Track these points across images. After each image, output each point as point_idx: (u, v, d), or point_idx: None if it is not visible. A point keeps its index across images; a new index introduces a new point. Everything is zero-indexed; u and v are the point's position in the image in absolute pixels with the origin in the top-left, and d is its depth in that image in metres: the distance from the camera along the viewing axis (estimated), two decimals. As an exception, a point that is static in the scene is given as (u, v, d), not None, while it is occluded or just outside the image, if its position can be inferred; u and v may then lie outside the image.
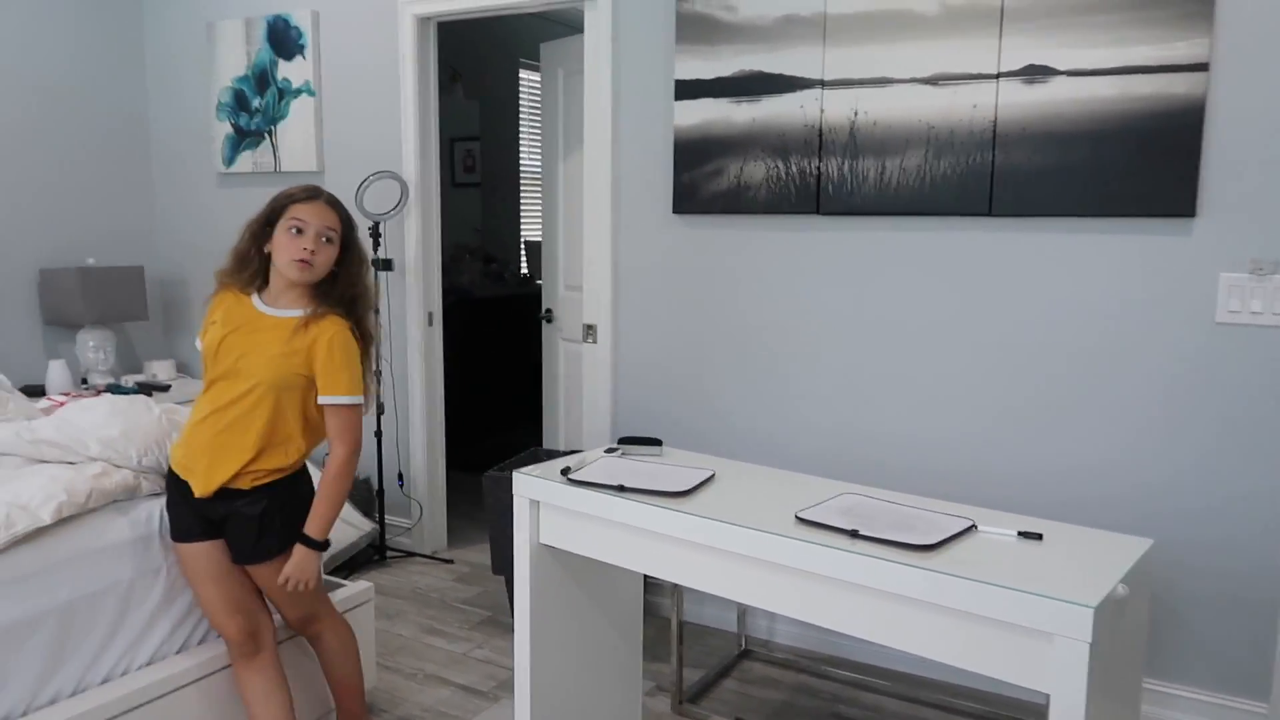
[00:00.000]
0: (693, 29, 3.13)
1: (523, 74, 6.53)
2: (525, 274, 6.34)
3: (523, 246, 6.62)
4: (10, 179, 4.08)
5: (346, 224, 2.26)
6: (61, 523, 2.16)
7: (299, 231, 2.17)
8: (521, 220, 6.69)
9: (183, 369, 4.57)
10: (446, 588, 3.67)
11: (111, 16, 4.41)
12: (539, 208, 6.81)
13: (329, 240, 2.20)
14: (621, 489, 2.07)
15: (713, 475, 2.18)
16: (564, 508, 2.17)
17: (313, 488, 2.28)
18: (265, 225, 2.23)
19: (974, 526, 1.84)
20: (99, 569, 2.17)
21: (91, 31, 4.34)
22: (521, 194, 6.67)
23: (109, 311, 4.15)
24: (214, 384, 2.20)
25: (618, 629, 2.54)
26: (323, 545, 2.23)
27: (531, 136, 6.67)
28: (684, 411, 3.33)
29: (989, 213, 2.74)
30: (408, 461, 4.01)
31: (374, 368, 2.34)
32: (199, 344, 2.28)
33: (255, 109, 4.19)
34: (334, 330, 2.19)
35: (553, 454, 3.53)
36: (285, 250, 2.17)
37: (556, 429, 4.24)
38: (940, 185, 2.79)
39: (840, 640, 3.11)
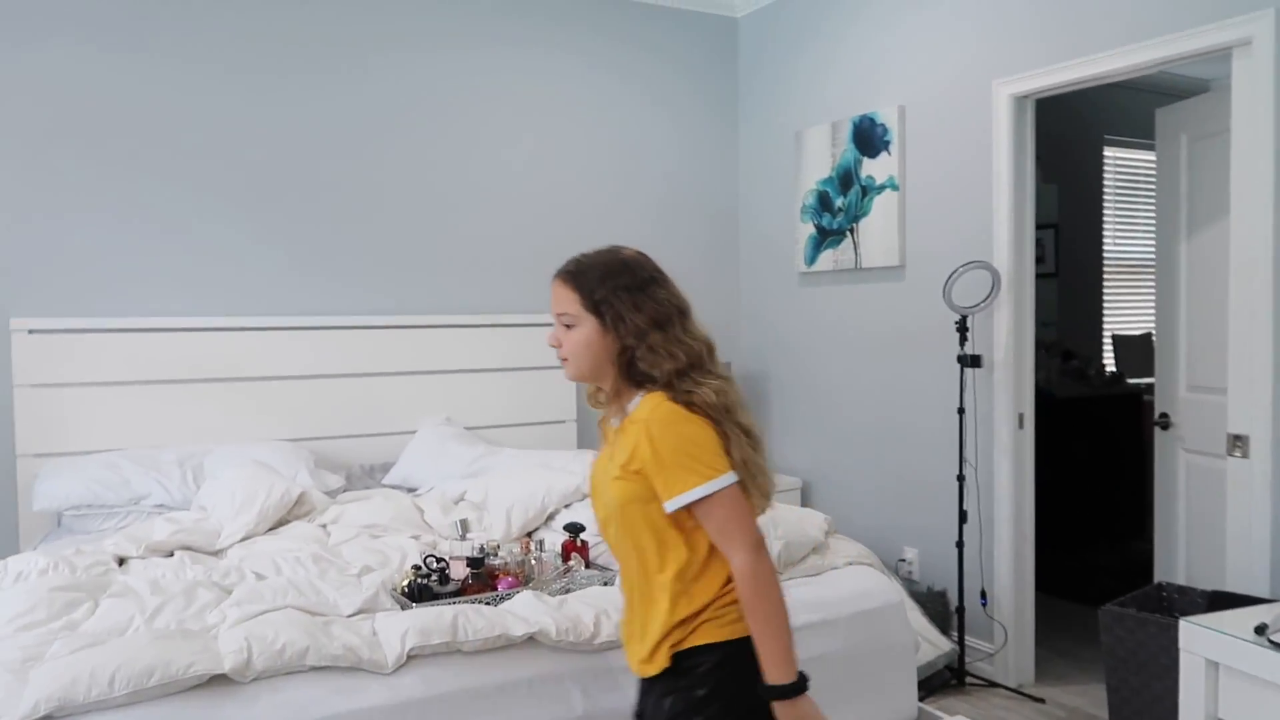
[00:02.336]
0: (1405, 58, 2.42)
1: (1108, 151, 5.89)
2: (1113, 372, 5.59)
3: (1109, 341, 5.88)
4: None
5: (588, 288, 1.66)
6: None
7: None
8: (1105, 311, 5.97)
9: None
10: (1040, 733, 3.17)
11: (714, 126, 4.84)
12: (1128, 297, 6.06)
13: (570, 325, 1.69)
14: (1367, 668, 1.51)
15: None
16: (1260, 678, 1.65)
17: (755, 661, 1.57)
18: None
19: None
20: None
21: (698, 140, 4.79)
22: (1105, 282, 5.97)
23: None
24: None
25: None
26: (796, 687, 1.53)
27: (1119, 219, 5.97)
28: (1390, 556, 2.49)
29: None
30: (991, 578, 3.61)
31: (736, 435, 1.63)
32: None
33: (838, 208, 4.25)
34: (648, 410, 1.61)
35: (1183, 591, 2.89)
36: None
37: (1174, 558, 3.52)
38: None
39: None
